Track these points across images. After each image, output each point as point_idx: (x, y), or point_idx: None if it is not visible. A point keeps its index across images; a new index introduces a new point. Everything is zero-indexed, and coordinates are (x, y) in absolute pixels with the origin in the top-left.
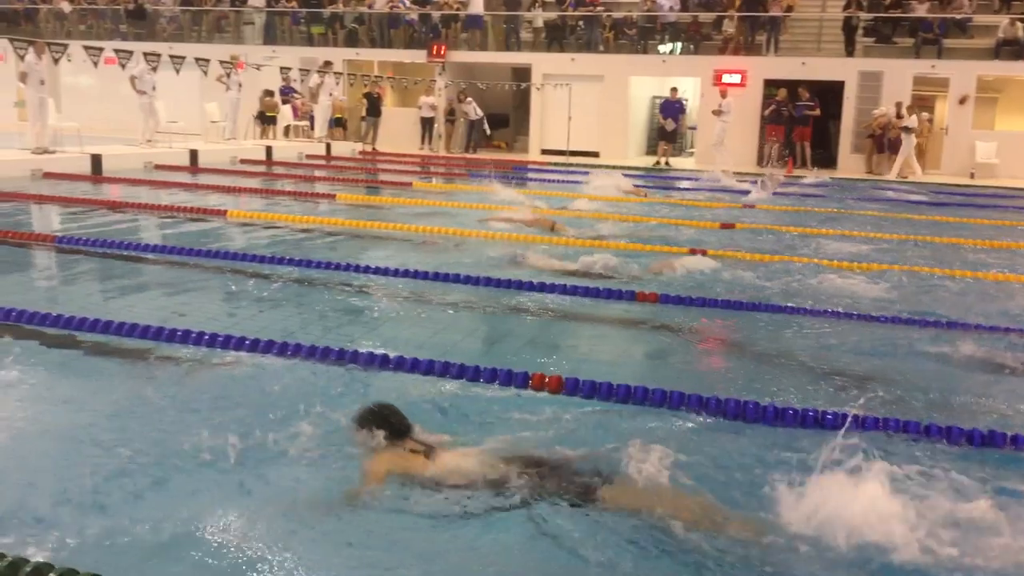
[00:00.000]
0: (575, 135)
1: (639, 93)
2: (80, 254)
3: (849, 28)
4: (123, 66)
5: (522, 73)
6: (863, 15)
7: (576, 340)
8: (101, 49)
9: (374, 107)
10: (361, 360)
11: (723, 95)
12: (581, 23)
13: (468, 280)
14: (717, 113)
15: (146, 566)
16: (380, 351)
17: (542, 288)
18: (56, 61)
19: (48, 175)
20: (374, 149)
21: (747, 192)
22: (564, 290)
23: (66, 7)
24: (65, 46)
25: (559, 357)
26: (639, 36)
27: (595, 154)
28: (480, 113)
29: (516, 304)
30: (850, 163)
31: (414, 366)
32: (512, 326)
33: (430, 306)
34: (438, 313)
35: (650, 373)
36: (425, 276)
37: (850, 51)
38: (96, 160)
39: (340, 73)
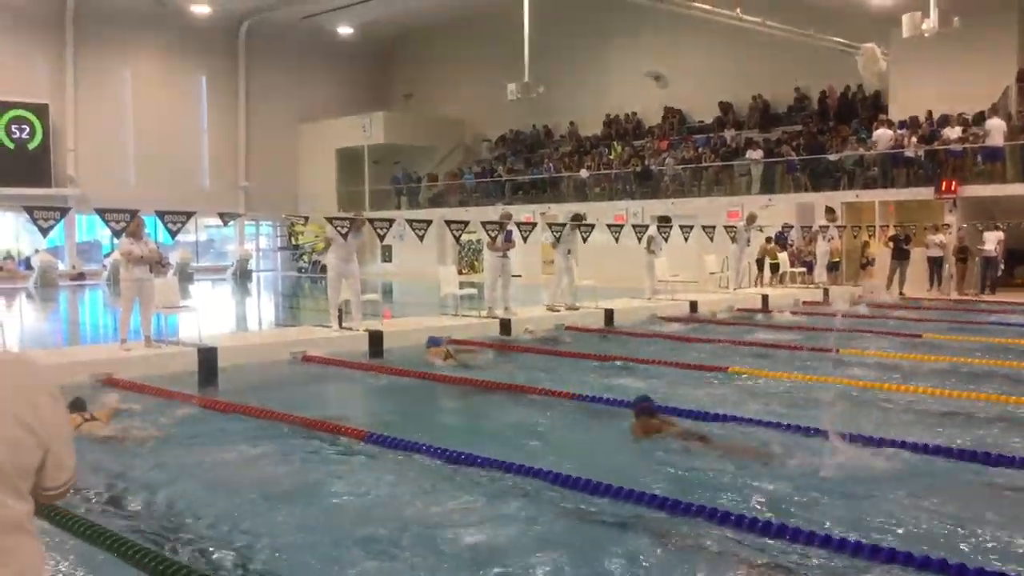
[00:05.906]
0: None
1: None
2: (584, 412)
3: None
4: (639, 236)
5: None
6: None
7: None
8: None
9: (901, 250)
10: None
11: None
12: None
13: None
14: None
15: None
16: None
17: None
18: (584, 240)
19: (569, 328)
20: (901, 294)
21: None
22: None
23: (584, 174)
24: (587, 222)
25: None
26: None
27: None
28: (998, 249)
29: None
30: None
31: None
32: None
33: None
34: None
35: None
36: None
37: None
38: (609, 314)
39: (842, 226)
